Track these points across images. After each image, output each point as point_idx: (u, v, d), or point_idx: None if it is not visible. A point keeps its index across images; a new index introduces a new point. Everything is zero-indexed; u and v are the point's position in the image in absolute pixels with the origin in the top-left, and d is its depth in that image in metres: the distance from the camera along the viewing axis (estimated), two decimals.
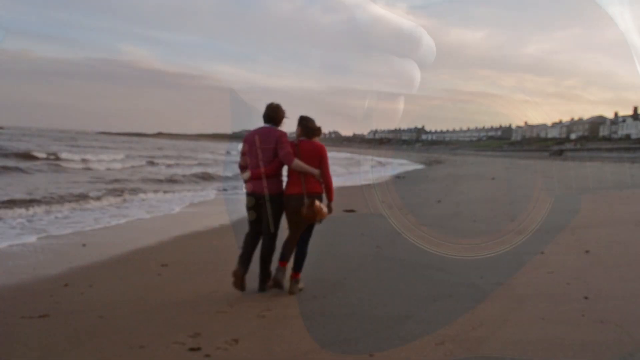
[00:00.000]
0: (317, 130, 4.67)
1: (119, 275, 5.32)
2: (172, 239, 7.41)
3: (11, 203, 9.84)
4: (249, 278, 4.57)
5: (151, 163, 27.85)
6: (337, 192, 5.06)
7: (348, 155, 52.33)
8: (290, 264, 4.67)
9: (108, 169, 22.19)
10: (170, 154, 39.48)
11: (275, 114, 4.62)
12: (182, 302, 4.34)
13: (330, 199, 4.71)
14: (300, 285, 4.68)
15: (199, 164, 29.28)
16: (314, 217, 4.53)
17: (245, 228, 4.80)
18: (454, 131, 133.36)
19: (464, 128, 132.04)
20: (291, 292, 4.56)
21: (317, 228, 4.76)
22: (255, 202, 4.58)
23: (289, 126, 4.71)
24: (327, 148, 4.79)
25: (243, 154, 4.66)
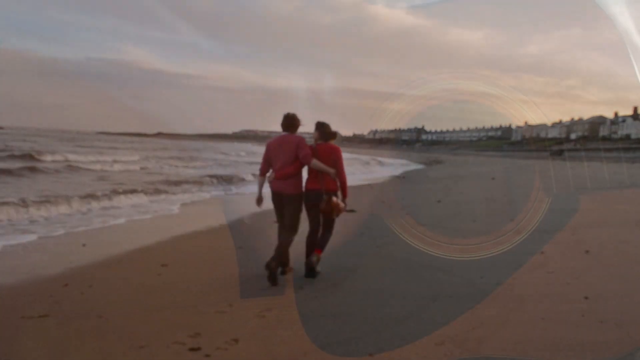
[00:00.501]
0: (332, 134, 5.25)
1: (119, 275, 5.32)
2: (172, 239, 7.41)
3: (23, 203, 9.55)
4: (249, 278, 4.58)
5: (172, 164, 27.10)
6: None
7: (354, 156, 52.07)
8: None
9: (126, 171, 21.65)
10: (182, 155, 38.09)
11: (292, 123, 5.19)
12: (182, 302, 4.34)
13: (344, 196, 5.21)
14: (318, 268, 5.13)
15: (218, 165, 28.90)
16: (331, 211, 5.05)
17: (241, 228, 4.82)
18: (454, 131, 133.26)
19: (464, 128, 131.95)
20: (309, 263, 5.04)
21: None
22: (279, 199, 5.10)
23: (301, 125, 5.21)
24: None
25: (264, 159, 5.20)
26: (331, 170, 5.08)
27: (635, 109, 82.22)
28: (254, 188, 6.91)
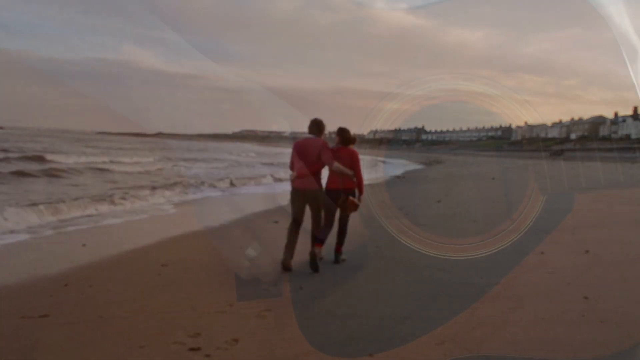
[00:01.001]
0: (352, 139, 5.76)
1: (119, 275, 5.32)
2: (172, 239, 7.41)
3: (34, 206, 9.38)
4: (249, 279, 4.58)
5: (189, 164, 26.73)
6: None
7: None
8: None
9: (146, 171, 21.33)
10: (196, 156, 37.29)
11: (318, 127, 5.66)
12: (182, 302, 4.34)
13: (361, 193, 5.75)
14: (343, 257, 5.76)
15: (237, 165, 28.72)
16: (349, 208, 5.59)
17: (242, 228, 4.84)
18: (454, 131, 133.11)
19: (464, 128, 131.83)
20: (336, 261, 5.66)
21: None
22: (299, 196, 5.52)
23: (295, 126, 5.45)
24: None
25: (293, 157, 5.66)
26: (350, 172, 5.60)
27: (635, 109, 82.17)
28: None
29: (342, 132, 5.76)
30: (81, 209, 9.68)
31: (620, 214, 9.67)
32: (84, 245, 6.76)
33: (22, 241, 6.99)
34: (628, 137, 76.23)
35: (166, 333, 3.58)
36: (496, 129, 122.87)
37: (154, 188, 13.59)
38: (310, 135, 5.69)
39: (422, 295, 4.59)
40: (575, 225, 8.08)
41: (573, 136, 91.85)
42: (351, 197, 5.59)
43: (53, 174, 17.09)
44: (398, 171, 29.10)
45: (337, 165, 5.54)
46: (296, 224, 5.50)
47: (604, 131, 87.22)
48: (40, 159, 22.39)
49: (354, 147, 5.79)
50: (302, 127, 5.74)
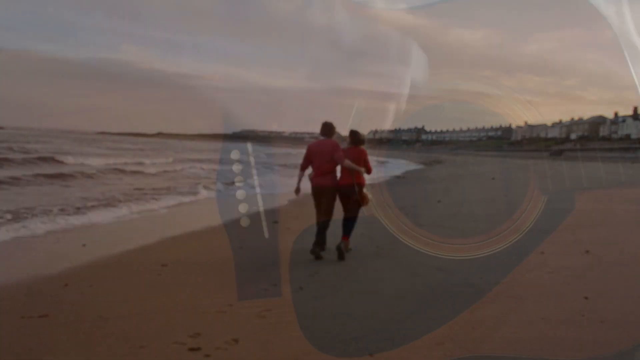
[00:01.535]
0: (362, 140, 6.32)
1: (119, 275, 5.32)
2: (172, 239, 7.41)
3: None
4: (249, 278, 4.58)
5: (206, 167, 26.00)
6: None
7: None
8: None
9: (165, 171, 21.21)
10: (208, 157, 36.85)
11: (329, 130, 6.22)
12: (182, 302, 4.34)
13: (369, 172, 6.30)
14: (350, 246, 6.20)
15: (257, 166, 28.18)
16: (361, 201, 6.09)
17: (241, 228, 4.84)
18: (454, 131, 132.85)
19: (464, 128, 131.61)
20: (343, 249, 5.97)
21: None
22: (318, 192, 6.07)
23: (300, 126, 5.84)
24: None
25: (306, 158, 6.19)
26: (360, 169, 6.13)
27: (635, 109, 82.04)
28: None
29: (353, 134, 6.29)
30: (115, 212, 9.63)
31: (621, 213, 9.67)
32: (83, 245, 6.77)
33: (22, 241, 6.99)
34: (628, 137, 76.16)
35: (166, 333, 3.58)
36: (496, 129, 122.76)
37: (197, 186, 13.85)
38: (322, 137, 6.24)
39: (422, 295, 4.59)
40: (575, 225, 8.08)
41: (573, 136, 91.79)
42: (364, 191, 6.14)
43: (86, 174, 17.03)
44: (398, 171, 29.10)
45: (348, 162, 6.04)
46: (320, 218, 6.09)
47: (604, 131, 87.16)
48: (54, 161, 22.15)
49: (364, 147, 6.32)
50: (303, 127, 5.89)
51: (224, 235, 7.33)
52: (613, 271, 5.36)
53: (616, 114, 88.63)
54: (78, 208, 9.57)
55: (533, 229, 7.31)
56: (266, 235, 4.53)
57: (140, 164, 24.23)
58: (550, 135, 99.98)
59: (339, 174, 6.26)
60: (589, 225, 8.20)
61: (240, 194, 3.83)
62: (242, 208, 3.63)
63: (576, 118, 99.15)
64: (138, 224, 8.90)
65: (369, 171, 6.33)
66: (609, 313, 3.96)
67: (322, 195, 6.11)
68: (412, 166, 38.25)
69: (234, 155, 4.07)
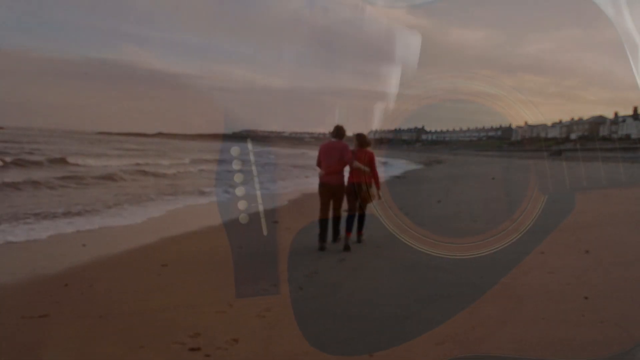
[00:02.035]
0: (368, 143, 6.72)
1: (119, 275, 5.32)
2: (172, 239, 7.41)
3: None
4: (249, 278, 4.58)
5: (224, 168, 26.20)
6: None
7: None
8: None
9: (186, 172, 20.86)
10: (220, 157, 35.96)
11: (339, 132, 6.56)
12: (182, 302, 4.34)
13: (377, 188, 6.60)
14: (363, 237, 6.74)
15: (270, 166, 28.03)
16: (367, 199, 6.47)
17: (240, 227, 4.84)
18: (454, 131, 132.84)
19: (464, 128, 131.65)
20: (358, 241, 6.63)
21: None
22: (326, 190, 6.46)
23: (301, 126, 6.07)
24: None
25: (319, 158, 6.57)
26: (367, 169, 6.53)
27: (635, 109, 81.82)
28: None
29: (360, 137, 6.73)
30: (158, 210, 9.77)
31: (621, 213, 9.67)
32: (84, 245, 6.77)
33: (23, 241, 6.99)
34: (628, 137, 76.12)
35: (166, 333, 3.58)
36: (496, 129, 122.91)
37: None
38: (333, 139, 6.64)
39: (422, 295, 4.59)
40: (575, 225, 8.08)
41: (573, 136, 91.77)
42: (371, 189, 6.55)
43: (112, 178, 16.61)
44: (398, 171, 29.08)
45: (356, 163, 6.49)
46: (323, 214, 6.46)
47: (604, 131, 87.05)
48: (63, 163, 21.46)
49: (370, 149, 6.71)
50: (303, 127, 5.97)
51: (224, 235, 7.33)
52: (613, 271, 5.35)
53: (616, 114, 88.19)
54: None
55: (533, 229, 7.32)
56: (265, 234, 4.55)
57: (158, 165, 23.77)
58: (550, 135, 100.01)
59: (346, 175, 6.61)
60: (589, 225, 8.19)
61: (241, 193, 3.82)
62: (241, 206, 3.62)
63: (576, 118, 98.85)
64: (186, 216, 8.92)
65: (375, 174, 6.63)
66: (609, 313, 3.95)
67: (332, 193, 6.49)
68: (412, 166, 38.26)
69: (236, 154, 4.05)
